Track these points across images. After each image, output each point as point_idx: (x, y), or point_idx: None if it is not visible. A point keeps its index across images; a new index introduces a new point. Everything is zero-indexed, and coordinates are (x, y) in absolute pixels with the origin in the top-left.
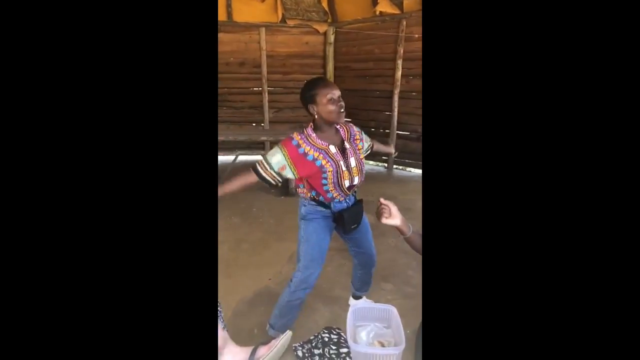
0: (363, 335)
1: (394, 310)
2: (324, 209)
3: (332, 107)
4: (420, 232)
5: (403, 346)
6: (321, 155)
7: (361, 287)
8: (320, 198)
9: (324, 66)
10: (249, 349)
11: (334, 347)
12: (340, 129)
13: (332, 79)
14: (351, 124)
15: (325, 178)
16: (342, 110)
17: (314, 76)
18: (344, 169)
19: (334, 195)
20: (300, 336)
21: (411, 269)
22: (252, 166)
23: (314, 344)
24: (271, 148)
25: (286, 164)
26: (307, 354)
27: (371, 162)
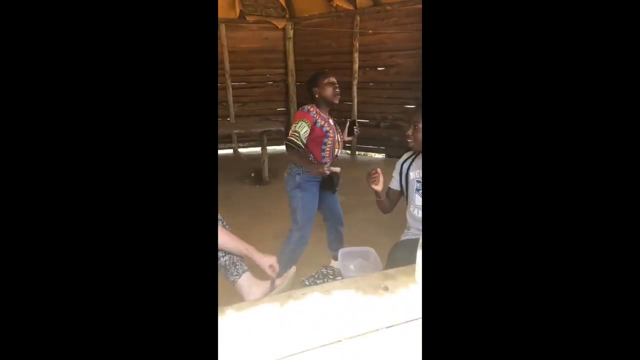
0: (351, 266)
1: (372, 250)
2: (315, 178)
3: (330, 89)
4: (385, 197)
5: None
6: (326, 124)
7: (337, 246)
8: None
9: (285, 60)
10: (267, 282)
11: (330, 277)
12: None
13: (293, 73)
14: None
15: (325, 144)
16: (338, 93)
17: (276, 70)
18: (338, 139)
19: (327, 162)
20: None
21: (380, 235)
22: (287, 140)
23: (315, 276)
24: (238, 141)
25: (308, 130)
26: (311, 283)
27: None
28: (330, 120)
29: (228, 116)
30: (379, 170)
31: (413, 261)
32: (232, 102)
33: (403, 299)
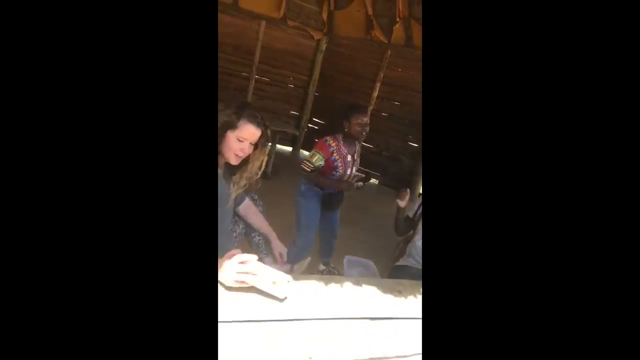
0: (354, 272)
1: (371, 262)
2: (318, 190)
3: (359, 129)
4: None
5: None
6: (340, 159)
7: (327, 254)
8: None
9: (311, 69)
10: (288, 265)
11: (337, 273)
12: (356, 147)
13: (315, 82)
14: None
15: (335, 173)
16: (364, 133)
17: (301, 75)
18: (348, 173)
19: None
20: None
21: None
22: (300, 168)
23: (324, 272)
24: None
25: (322, 161)
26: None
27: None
28: (349, 157)
29: None
30: (408, 190)
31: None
32: (251, 92)
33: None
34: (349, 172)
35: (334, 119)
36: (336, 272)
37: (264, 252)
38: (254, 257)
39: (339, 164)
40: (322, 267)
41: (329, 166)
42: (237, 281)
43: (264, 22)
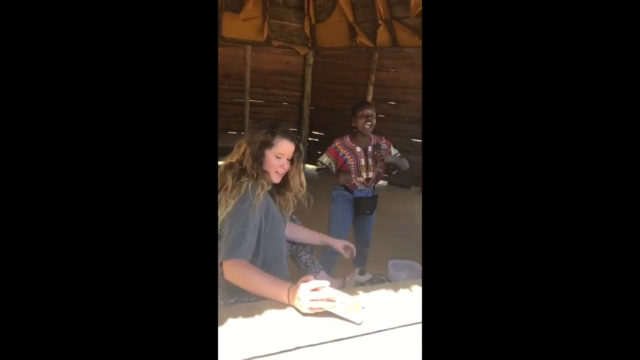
0: (403, 275)
1: (417, 263)
2: (348, 194)
3: (362, 121)
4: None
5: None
6: (348, 152)
7: (361, 262)
8: (346, 184)
9: (302, 85)
10: (340, 279)
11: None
12: (371, 139)
13: (308, 97)
14: (386, 140)
15: (350, 171)
16: (369, 124)
17: (293, 92)
18: (362, 164)
19: (356, 183)
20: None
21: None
22: (317, 169)
23: (374, 280)
24: None
25: (330, 160)
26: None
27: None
28: (358, 149)
29: (243, 130)
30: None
31: None
32: (248, 117)
33: None
34: (362, 162)
35: (333, 129)
36: (384, 278)
37: (314, 269)
38: (327, 282)
39: (348, 157)
40: (366, 276)
41: (341, 163)
42: (311, 308)
43: (249, 47)
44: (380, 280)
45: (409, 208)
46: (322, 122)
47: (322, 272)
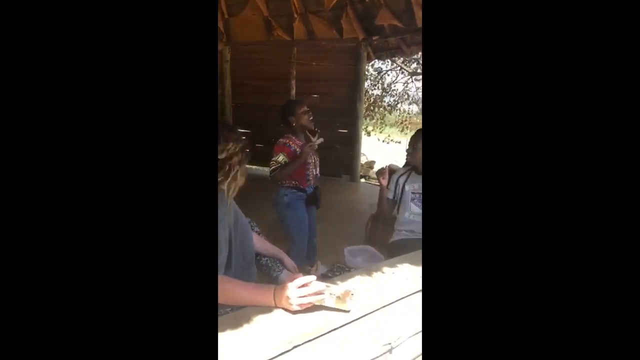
0: (359, 259)
1: (370, 247)
2: (302, 193)
3: (306, 117)
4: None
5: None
6: (298, 148)
7: (311, 255)
8: (300, 185)
9: (222, 81)
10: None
11: (346, 270)
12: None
13: (230, 94)
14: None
15: (308, 168)
16: (311, 119)
17: None
18: (315, 160)
19: (309, 181)
20: None
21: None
22: (271, 172)
23: (334, 270)
24: None
25: (286, 159)
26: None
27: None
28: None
29: None
30: (386, 167)
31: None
32: None
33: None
34: (315, 158)
35: (259, 125)
36: (343, 266)
37: (277, 270)
38: (313, 277)
39: (299, 150)
40: (322, 268)
41: (294, 157)
42: (301, 305)
43: None
44: (341, 269)
45: (344, 196)
46: (247, 118)
47: (284, 272)
